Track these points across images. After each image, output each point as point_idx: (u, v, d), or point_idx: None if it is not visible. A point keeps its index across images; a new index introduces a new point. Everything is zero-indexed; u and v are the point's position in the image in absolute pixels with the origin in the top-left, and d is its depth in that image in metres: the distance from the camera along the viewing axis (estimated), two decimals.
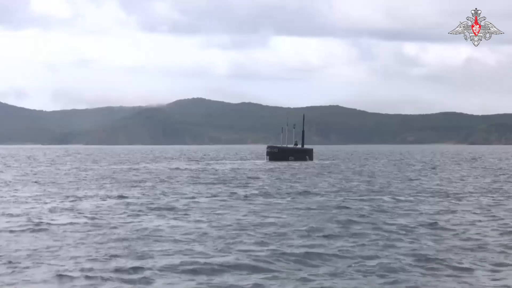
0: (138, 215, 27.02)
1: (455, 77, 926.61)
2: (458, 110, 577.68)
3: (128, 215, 26.93)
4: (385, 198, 33.76)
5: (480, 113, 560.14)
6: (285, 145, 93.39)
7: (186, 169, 71.01)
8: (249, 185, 44.00)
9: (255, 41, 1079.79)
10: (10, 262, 17.27)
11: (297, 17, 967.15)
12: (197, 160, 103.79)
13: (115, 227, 23.26)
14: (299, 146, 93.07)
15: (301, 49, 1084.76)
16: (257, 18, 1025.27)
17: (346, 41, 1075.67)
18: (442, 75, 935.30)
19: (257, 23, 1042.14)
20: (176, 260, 17.46)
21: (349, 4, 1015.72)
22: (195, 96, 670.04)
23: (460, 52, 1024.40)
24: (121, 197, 34.95)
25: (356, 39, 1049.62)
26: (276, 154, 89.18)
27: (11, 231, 22.36)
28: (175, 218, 25.81)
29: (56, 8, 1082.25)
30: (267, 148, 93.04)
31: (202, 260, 17.33)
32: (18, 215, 26.82)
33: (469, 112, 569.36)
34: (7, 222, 24.80)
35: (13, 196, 36.11)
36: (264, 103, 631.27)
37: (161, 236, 21.40)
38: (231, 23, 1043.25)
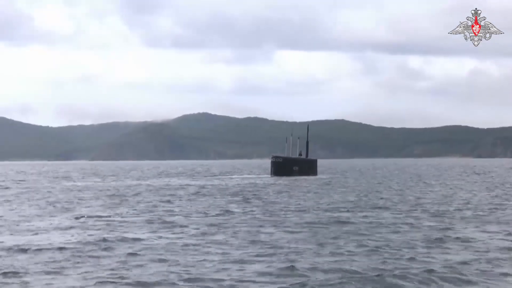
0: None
1: (460, 90, 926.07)
2: (463, 123, 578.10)
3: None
4: None
5: (485, 126, 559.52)
6: (289, 156, 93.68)
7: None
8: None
9: (259, 55, 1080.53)
10: None
11: (301, 31, 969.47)
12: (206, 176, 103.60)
13: None
14: (303, 156, 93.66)
15: (305, 63, 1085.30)
16: (260, 33, 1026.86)
17: (350, 55, 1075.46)
18: (447, 88, 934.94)
19: (261, 37, 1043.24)
20: None
21: (352, 17, 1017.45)
22: (200, 111, 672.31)
23: (464, 65, 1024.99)
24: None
25: (360, 53, 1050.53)
26: (280, 164, 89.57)
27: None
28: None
29: (59, 24, 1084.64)
30: (271, 158, 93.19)
31: None
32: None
33: (474, 125, 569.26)
34: None
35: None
36: (269, 117, 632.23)
37: None
38: (234, 38, 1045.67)
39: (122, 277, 16.63)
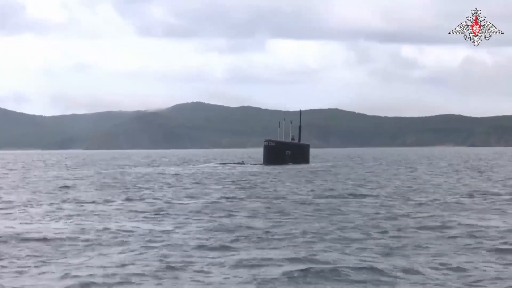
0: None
1: (453, 79, 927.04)
2: (457, 112, 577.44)
3: None
4: None
5: (479, 115, 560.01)
6: (282, 140, 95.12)
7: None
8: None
9: (252, 44, 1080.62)
10: None
11: (294, 20, 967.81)
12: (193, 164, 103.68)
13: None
14: (296, 141, 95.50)
15: (299, 52, 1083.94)
16: (253, 22, 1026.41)
17: (344, 43, 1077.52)
18: (441, 77, 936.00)
19: (253, 26, 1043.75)
20: None
21: (346, 6, 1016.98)
22: (194, 100, 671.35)
23: (458, 54, 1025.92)
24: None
25: (354, 42, 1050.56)
26: (273, 148, 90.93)
27: None
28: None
29: (51, 13, 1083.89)
30: (264, 141, 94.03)
31: None
32: None
33: (468, 114, 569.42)
34: None
35: None
36: (263, 106, 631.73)
37: None
38: (227, 27, 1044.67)
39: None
